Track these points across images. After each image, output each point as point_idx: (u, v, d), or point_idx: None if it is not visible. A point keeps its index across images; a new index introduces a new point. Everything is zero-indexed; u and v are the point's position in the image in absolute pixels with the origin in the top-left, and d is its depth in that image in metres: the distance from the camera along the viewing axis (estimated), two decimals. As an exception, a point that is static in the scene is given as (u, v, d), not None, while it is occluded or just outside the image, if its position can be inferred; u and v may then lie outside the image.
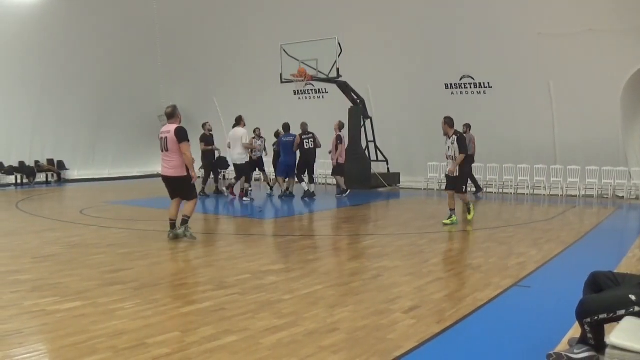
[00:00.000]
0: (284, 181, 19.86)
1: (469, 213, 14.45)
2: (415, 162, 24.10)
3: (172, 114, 11.33)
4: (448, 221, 13.70)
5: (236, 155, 18.76)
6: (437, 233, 12.77)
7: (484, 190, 22.30)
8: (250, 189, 19.48)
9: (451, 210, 13.86)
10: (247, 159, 19.12)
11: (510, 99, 21.79)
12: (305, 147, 19.37)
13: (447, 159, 13.98)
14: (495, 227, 13.71)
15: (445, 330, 6.09)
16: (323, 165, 24.07)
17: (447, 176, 14.36)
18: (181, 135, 11.04)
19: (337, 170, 19.95)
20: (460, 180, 13.94)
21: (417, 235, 12.33)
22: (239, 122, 19.07)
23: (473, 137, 21.12)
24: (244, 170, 19.24)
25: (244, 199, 19.02)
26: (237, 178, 19.56)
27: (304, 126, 19.62)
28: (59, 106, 27.04)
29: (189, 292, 7.79)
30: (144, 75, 29.44)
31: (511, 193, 21.73)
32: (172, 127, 11.08)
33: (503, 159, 21.88)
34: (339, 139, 19.60)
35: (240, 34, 27.16)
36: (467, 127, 21.23)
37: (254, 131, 21.07)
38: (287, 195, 19.72)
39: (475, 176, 22.00)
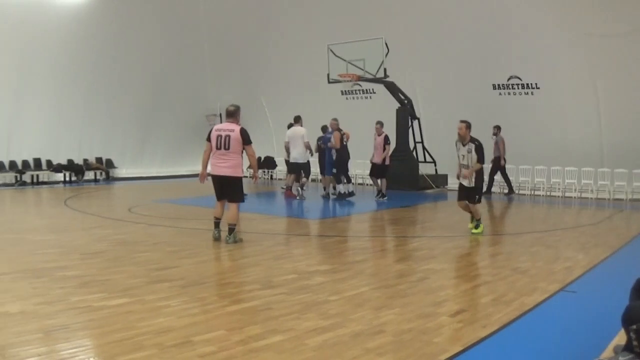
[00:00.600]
0: (332, 180, 19.75)
1: (476, 228, 12.70)
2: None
3: (233, 113, 11.12)
4: (477, 230, 12.76)
5: (297, 154, 18.86)
6: (485, 236, 12.62)
7: (532, 193, 22.09)
8: (304, 188, 19.50)
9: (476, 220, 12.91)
10: (309, 158, 19.15)
11: (557, 100, 21.50)
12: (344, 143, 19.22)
13: (461, 168, 12.62)
14: (543, 230, 13.55)
15: (491, 335, 6.02)
16: (362, 166, 23.97)
17: (460, 186, 12.91)
18: (247, 136, 11.00)
19: (383, 172, 19.65)
20: (474, 191, 12.59)
21: (464, 238, 12.23)
22: (297, 121, 19.11)
23: (503, 139, 21.01)
24: (306, 169, 19.43)
25: (297, 196, 19.16)
26: (306, 176, 19.74)
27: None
28: (108, 105, 27.44)
29: (235, 291, 7.81)
30: (192, 75, 29.76)
31: (559, 196, 21.45)
32: (234, 127, 10.94)
33: (551, 162, 21.55)
34: (387, 140, 19.26)
35: (287, 33, 27.25)
36: (498, 128, 21.21)
37: None
38: (341, 196, 19.40)
39: (522, 178, 21.87)
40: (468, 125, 12.32)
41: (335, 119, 19.13)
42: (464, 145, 12.35)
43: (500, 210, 18.62)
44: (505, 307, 7.00)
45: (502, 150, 21.17)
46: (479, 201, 12.72)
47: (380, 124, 19.34)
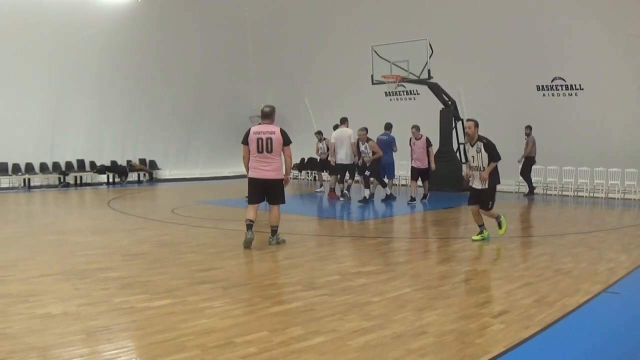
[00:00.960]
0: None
1: (500, 228, 12.04)
2: (506, 164, 23.46)
3: (269, 114, 11.04)
4: (478, 237, 11.94)
5: (344, 155, 18.77)
6: (527, 237, 12.59)
7: (575, 194, 21.85)
8: (349, 190, 19.44)
9: (480, 226, 12.00)
10: (355, 159, 19.03)
11: (601, 101, 21.19)
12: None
13: (471, 170, 11.91)
14: (587, 231, 13.42)
15: (534, 336, 5.97)
16: (405, 167, 23.89)
17: (470, 188, 12.07)
18: (288, 137, 10.96)
19: (427, 174, 19.47)
20: (487, 195, 11.77)
21: (507, 239, 12.10)
22: (343, 122, 19.07)
23: (533, 139, 21.07)
24: (352, 170, 19.35)
25: (340, 197, 19.20)
26: (351, 177, 19.69)
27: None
28: (151, 106, 27.70)
29: (277, 292, 7.81)
30: (236, 76, 29.86)
31: (602, 197, 21.18)
32: (274, 128, 10.88)
33: (594, 163, 21.29)
34: (429, 142, 19.08)
35: (331, 34, 27.25)
36: (529, 128, 21.03)
37: (316, 134, 21.35)
38: (388, 198, 19.26)
39: (565, 179, 21.89)
40: (476, 124, 11.65)
41: (362, 129, 18.76)
42: (472, 146, 11.74)
43: (543, 211, 18.42)
44: (548, 308, 6.94)
45: (528, 149, 21.05)
46: (491, 207, 11.96)
47: (416, 127, 19.05)
